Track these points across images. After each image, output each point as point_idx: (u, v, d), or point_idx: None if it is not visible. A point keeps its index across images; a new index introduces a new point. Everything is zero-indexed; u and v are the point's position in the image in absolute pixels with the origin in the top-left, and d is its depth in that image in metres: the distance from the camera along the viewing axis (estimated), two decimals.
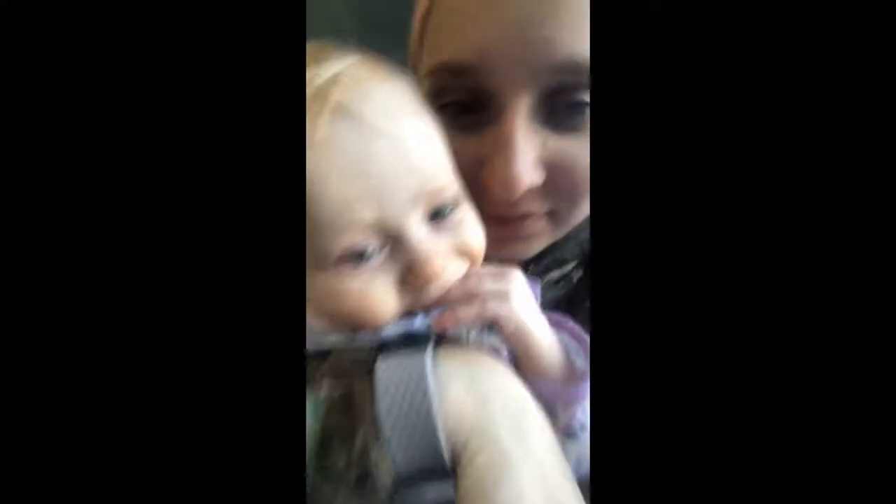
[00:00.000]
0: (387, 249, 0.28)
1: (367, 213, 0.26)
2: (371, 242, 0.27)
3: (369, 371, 0.26)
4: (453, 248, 0.30)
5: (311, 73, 0.27)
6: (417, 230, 0.28)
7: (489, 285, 0.29)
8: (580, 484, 0.25)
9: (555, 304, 0.38)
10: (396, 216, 0.27)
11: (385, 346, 0.27)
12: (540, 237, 0.37)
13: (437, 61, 0.33)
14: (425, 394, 0.24)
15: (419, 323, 0.29)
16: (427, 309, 0.29)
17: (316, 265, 0.27)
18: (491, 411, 0.25)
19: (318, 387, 0.26)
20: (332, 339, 0.29)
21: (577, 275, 0.40)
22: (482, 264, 0.31)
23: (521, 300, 0.30)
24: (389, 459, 0.24)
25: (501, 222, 0.35)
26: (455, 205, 0.30)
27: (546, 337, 0.30)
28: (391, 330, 0.28)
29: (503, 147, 0.32)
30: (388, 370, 0.25)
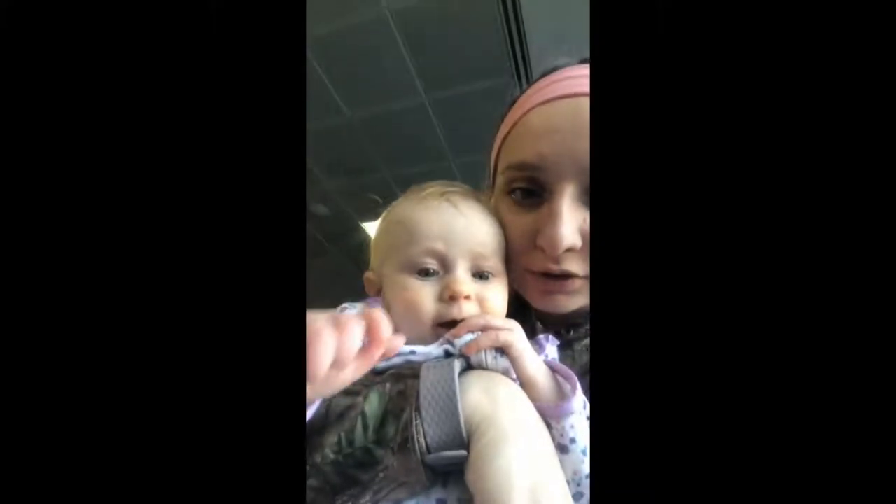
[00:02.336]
0: (440, 275, 0.46)
1: (439, 245, 0.45)
2: (433, 265, 0.46)
3: (417, 375, 0.37)
4: (477, 297, 0.46)
5: (431, 190, 0.50)
6: (462, 270, 0.46)
7: (500, 322, 0.43)
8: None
9: (587, 367, 0.48)
10: (454, 254, 0.46)
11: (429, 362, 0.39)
12: (578, 295, 0.49)
13: (510, 162, 0.50)
14: (452, 390, 0.35)
15: (452, 348, 0.41)
16: (457, 336, 0.42)
17: (402, 269, 0.46)
18: (498, 406, 0.35)
19: (383, 385, 0.38)
20: (395, 360, 0.41)
21: None
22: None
23: (522, 337, 0.42)
24: (423, 432, 0.34)
25: (548, 277, 0.48)
26: (493, 275, 0.47)
27: (540, 367, 0.41)
28: (434, 351, 0.41)
29: (552, 217, 0.46)
30: (429, 373, 0.36)
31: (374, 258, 0.50)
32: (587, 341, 0.50)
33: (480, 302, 0.45)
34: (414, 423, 0.33)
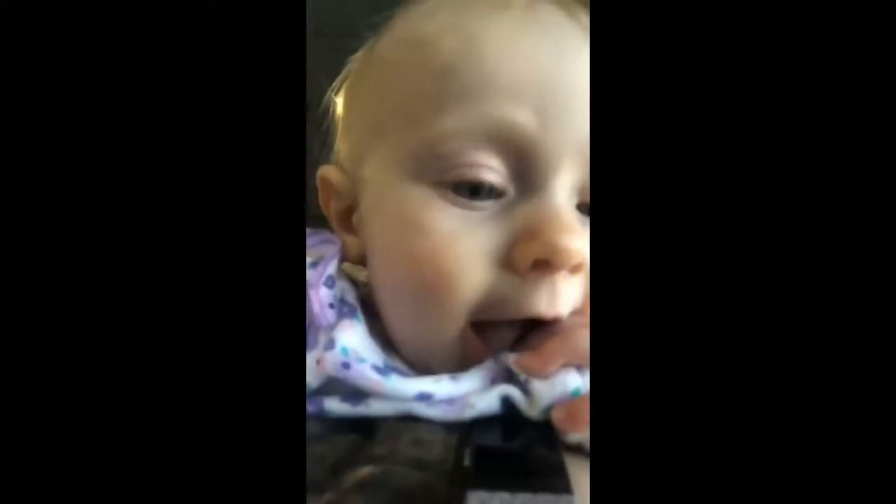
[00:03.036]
0: (510, 196, 0.22)
1: (523, 117, 0.21)
2: (498, 174, 0.21)
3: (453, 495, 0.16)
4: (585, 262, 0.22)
5: None
6: (563, 191, 0.22)
7: None
8: None
9: None
10: (554, 149, 0.21)
11: (481, 451, 0.19)
12: None
13: None
14: None
15: (523, 399, 0.20)
16: (536, 374, 0.20)
17: (416, 172, 0.22)
18: None
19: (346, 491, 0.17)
20: (381, 406, 0.22)
21: None
22: None
23: None
24: None
25: None
26: None
27: None
28: (479, 400, 0.21)
29: None
30: None
31: (345, 139, 0.26)
32: None
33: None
34: None
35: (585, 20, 0.23)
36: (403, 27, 0.25)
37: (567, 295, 0.23)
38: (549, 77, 0.21)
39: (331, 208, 0.27)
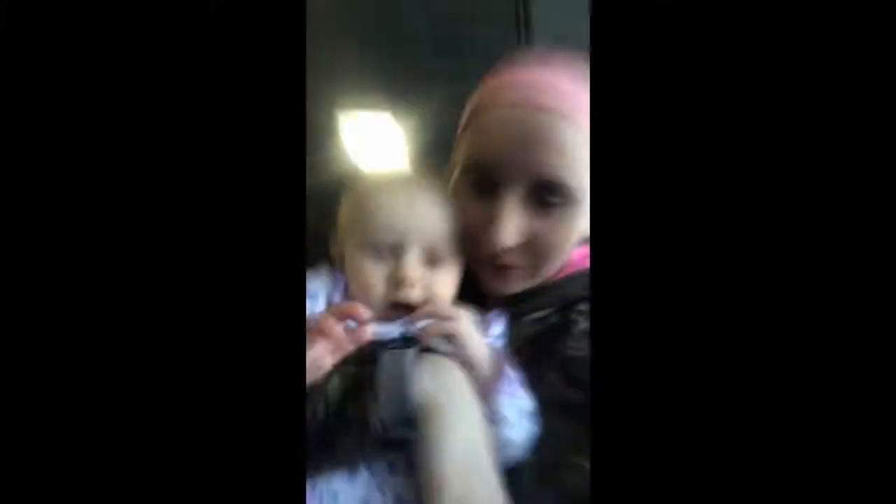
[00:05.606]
0: (393, 258, 0.48)
1: (393, 231, 0.48)
2: (387, 249, 0.48)
3: (374, 361, 0.41)
4: (426, 284, 0.49)
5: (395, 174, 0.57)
6: (412, 256, 0.48)
7: (447, 312, 0.47)
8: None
9: (531, 338, 0.53)
10: (407, 241, 0.48)
11: (385, 345, 0.44)
12: (517, 282, 0.54)
13: (466, 155, 0.53)
14: (405, 381, 0.40)
15: (408, 330, 0.46)
16: (411, 319, 0.46)
17: (360, 247, 0.48)
18: (442, 392, 0.41)
19: (344, 368, 0.42)
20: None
21: (552, 319, 0.55)
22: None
23: (466, 325, 0.46)
24: (379, 412, 0.39)
25: (492, 264, 0.53)
26: (443, 260, 0.50)
27: (480, 350, 0.46)
28: (393, 331, 0.46)
29: (494, 218, 0.50)
30: (386, 364, 0.41)
31: (339, 231, 0.52)
32: (533, 315, 0.55)
33: (429, 288, 0.49)
34: (371, 406, 0.39)
35: (420, 191, 0.51)
36: (357, 191, 0.54)
37: (413, 295, 0.48)
38: (404, 216, 0.49)
39: (334, 264, 0.55)
